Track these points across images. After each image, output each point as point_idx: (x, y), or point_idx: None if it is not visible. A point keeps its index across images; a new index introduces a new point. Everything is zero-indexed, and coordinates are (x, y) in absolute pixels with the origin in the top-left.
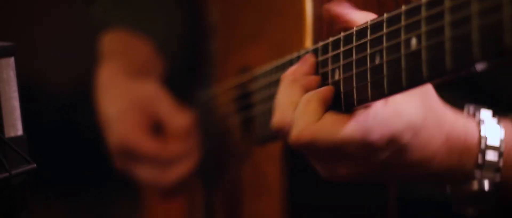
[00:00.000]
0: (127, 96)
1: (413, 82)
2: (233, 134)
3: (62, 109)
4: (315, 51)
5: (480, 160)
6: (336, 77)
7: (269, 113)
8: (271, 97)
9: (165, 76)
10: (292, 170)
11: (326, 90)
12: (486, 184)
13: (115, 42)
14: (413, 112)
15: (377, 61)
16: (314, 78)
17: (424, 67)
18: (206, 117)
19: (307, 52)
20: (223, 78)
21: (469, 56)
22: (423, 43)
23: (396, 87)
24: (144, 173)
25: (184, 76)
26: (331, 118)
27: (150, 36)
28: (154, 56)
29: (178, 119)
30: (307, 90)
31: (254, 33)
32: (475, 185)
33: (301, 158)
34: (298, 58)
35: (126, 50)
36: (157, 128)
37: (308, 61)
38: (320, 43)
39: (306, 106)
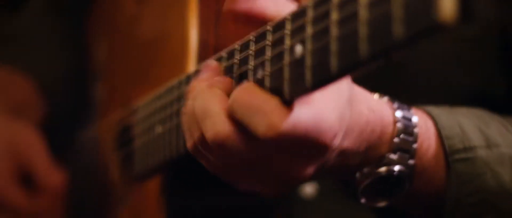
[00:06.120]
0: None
1: (296, 92)
2: (113, 174)
3: None
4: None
5: (396, 140)
6: None
7: (151, 143)
8: (153, 126)
9: (45, 117)
10: (172, 207)
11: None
12: (398, 167)
13: None
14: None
15: (259, 75)
16: (228, 80)
17: (307, 74)
18: (87, 159)
19: (196, 71)
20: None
21: (355, 55)
22: (308, 47)
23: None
24: None
25: (67, 118)
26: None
27: (30, 74)
28: (34, 96)
29: (50, 175)
30: (228, 93)
31: (139, 74)
32: (385, 169)
33: (180, 194)
34: (188, 78)
35: (4, 87)
36: (26, 178)
37: (213, 66)
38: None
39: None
